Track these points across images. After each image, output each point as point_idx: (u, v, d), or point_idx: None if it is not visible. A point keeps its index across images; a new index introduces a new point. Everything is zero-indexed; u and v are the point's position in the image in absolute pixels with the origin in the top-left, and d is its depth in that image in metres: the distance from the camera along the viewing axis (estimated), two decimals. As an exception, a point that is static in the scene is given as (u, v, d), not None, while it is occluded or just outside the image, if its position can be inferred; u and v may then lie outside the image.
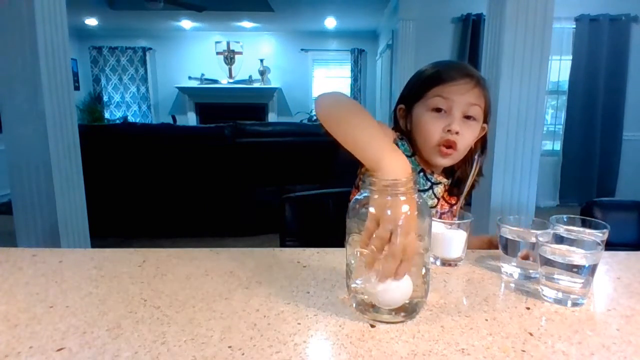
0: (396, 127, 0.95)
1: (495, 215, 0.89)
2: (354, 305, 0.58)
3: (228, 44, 6.80)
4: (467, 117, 0.85)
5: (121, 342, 0.49)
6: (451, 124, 0.84)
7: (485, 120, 0.91)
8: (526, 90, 1.91)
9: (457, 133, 0.84)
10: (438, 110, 0.86)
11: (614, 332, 0.52)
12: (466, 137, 0.86)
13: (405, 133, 0.93)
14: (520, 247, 0.68)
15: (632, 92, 4.21)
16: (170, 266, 0.73)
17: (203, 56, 6.83)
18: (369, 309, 0.55)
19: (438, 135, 0.85)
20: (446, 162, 0.88)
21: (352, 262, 0.58)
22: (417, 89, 0.90)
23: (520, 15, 1.86)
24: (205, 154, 3.20)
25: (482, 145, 0.94)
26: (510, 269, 0.69)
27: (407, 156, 0.89)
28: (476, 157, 0.82)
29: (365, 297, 0.56)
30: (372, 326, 0.53)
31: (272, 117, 6.99)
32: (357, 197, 0.58)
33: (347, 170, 1.08)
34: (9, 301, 0.61)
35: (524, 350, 0.48)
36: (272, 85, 6.89)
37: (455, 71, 0.87)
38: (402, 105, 0.94)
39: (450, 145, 0.84)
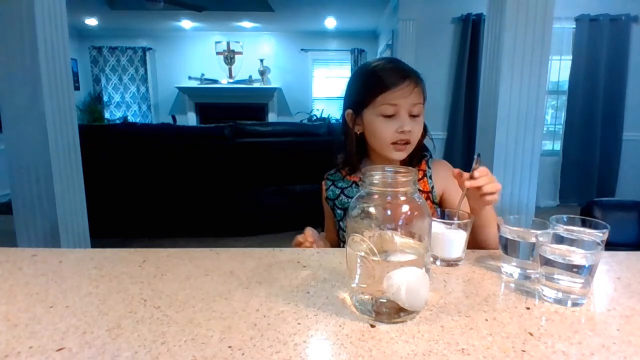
0: (346, 130, 1.03)
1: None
2: (355, 305, 0.58)
3: (228, 44, 6.80)
4: (413, 116, 0.95)
5: (121, 342, 0.49)
6: (403, 125, 0.93)
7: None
8: (526, 90, 1.91)
9: (409, 131, 0.94)
10: (388, 115, 0.94)
11: (614, 332, 0.52)
12: (416, 131, 0.96)
13: (358, 136, 1.02)
14: (521, 247, 0.68)
15: (632, 92, 4.21)
16: (170, 266, 0.73)
17: (203, 56, 6.83)
18: (369, 308, 0.55)
19: (392, 136, 0.95)
20: (402, 155, 0.98)
21: (352, 262, 0.58)
22: (364, 96, 0.97)
23: (520, 15, 1.86)
24: (205, 154, 3.20)
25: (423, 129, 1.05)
26: (510, 269, 0.69)
27: (338, 179, 1.07)
28: (476, 156, 0.82)
29: (366, 297, 0.56)
30: (372, 326, 0.53)
31: (272, 117, 6.99)
32: (357, 196, 0.59)
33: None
34: (9, 301, 0.61)
35: (524, 350, 0.48)
36: (272, 85, 6.88)
37: (395, 76, 0.94)
38: (349, 111, 1.01)
39: (405, 142, 0.95)
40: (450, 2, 4.23)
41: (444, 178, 1.02)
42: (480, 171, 0.78)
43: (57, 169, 1.94)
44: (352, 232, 0.57)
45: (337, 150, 1.08)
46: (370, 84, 0.96)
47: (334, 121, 5.97)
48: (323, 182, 1.11)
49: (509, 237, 0.69)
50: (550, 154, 4.42)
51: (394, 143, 0.95)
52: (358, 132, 1.01)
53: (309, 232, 0.92)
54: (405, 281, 0.53)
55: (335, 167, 1.11)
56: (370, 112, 0.96)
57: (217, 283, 0.66)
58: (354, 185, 1.05)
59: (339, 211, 1.05)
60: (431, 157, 1.08)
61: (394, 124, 0.94)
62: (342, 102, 1.07)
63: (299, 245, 0.91)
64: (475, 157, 0.81)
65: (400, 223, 0.56)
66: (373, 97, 0.94)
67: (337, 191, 1.06)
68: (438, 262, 0.75)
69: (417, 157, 1.05)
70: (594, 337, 0.51)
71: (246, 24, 6.33)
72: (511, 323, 0.54)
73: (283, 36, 6.81)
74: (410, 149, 0.98)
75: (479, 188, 0.79)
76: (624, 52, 4.14)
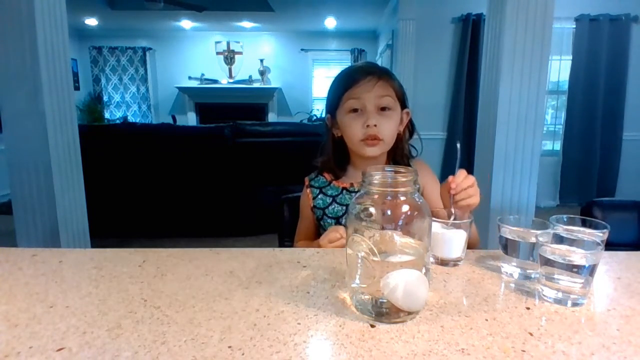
0: (327, 134, 1.06)
1: (495, 215, 0.89)
2: (355, 305, 0.58)
3: (228, 44, 6.79)
4: (383, 109, 0.95)
5: (121, 342, 0.49)
6: (367, 119, 0.94)
7: (404, 106, 1.01)
8: (526, 90, 1.91)
9: (375, 126, 0.93)
10: (354, 110, 0.96)
11: (614, 332, 0.52)
12: (385, 127, 0.95)
13: (337, 139, 1.03)
14: (521, 247, 0.68)
15: (632, 92, 4.21)
16: (170, 266, 0.73)
17: (203, 56, 6.83)
18: (369, 308, 0.55)
19: (360, 132, 0.95)
20: (375, 150, 0.97)
21: (353, 262, 0.58)
22: (333, 98, 1.00)
23: (520, 15, 1.86)
24: (205, 154, 3.20)
25: (409, 130, 1.05)
26: (510, 269, 0.69)
27: (324, 185, 1.05)
28: (458, 148, 0.85)
29: (366, 297, 0.56)
30: (372, 326, 0.53)
31: (272, 117, 6.99)
32: (357, 196, 0.59)
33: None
34: (9, 301, 0.61)
35: (524, 350, 0.48)
36: (272, 85, 6.88)
37: (359, 73, 0.97)
38: (328, 115, 1.05)
39: (373, 138, 0.94)
40: (450, 2, 4.23)
41: (422, 177, 1.03)
42: (457, 177, 0.80)
43: (57, 168, 1.94)
44: (352, 232, 0.57)
45: (320, 153, 1.08)
46: (337, 84, 1.01)
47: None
48: (308, 190, 1.07)
49: (509, 237, 0.69)
50: (550, 154, 4.42)
51: (363, 140, 0.95)
52: (337, 135, 1.03)
53: (344, 229, 0.86)
54: (402, 282, 0.53)
55: (314, 171, 1.09)
56: (340, 111, 0.99)
57: (217, 283, 0.66)
58: (344, 192, 1.03)
59: (329, 220, 1.01)
60: (412, 157, 1.08)
61: (360, 119, 0.95)
62: None
63: (334, 241, 0.86)
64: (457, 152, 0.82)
65: (400, 223, 0.56)
66: (340, 96, 0.97)
67: (328, 200, 1.03)
68: (438, 262, 0.75)
69: (401, 158, 1.04)
70: (594, 337, 0.51)
71: (246, 24, 6.33)
72: (511, 323, 0.54)
73: (283, 36, 6.81)
74: (384, 145, 0.97)
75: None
76: (624, 52, 4.14)
